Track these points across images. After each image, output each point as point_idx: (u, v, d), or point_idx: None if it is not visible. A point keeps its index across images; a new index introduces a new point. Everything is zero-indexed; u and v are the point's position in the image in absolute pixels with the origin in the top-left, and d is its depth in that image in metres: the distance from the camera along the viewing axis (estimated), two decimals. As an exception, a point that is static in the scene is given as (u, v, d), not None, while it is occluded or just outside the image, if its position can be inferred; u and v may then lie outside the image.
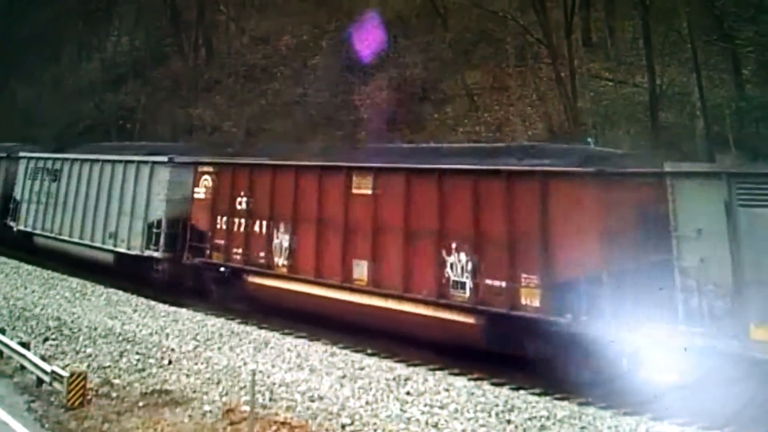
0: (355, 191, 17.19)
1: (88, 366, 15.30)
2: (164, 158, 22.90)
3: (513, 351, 14.48)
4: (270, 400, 13.10)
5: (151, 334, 17.59)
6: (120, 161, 24.65)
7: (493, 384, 13.86)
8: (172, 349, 16.31)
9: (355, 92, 33.87)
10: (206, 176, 21.19)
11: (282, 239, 18.76)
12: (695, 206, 12.42)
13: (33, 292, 22.44)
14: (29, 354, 15.16)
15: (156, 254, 22.15)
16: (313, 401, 12.98)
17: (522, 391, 13.44)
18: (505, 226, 14.43)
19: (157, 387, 14.15)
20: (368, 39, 32.75)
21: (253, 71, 39.80)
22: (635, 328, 12.76)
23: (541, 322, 13.77)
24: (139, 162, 23.74)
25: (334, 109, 33.47)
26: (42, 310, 20.13)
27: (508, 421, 12.03)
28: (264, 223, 19.24)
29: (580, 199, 13.64)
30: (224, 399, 13.26)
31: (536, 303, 13.86)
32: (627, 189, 14.10)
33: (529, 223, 14.10)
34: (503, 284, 14.34)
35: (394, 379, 14.08)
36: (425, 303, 15.62)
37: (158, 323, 18.61)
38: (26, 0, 56.17)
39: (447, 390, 13.41)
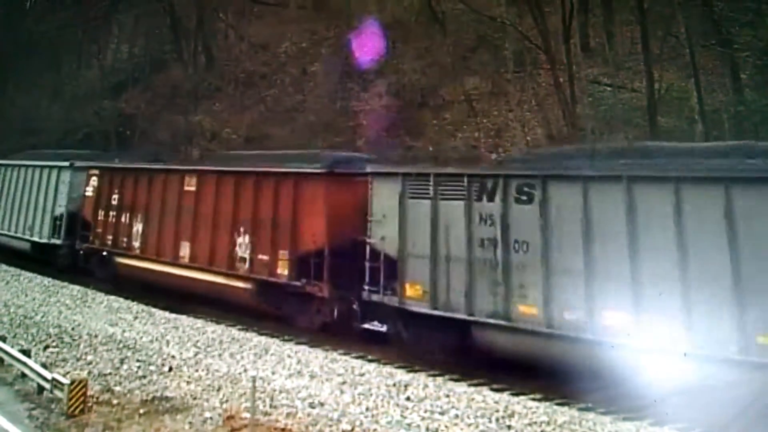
0: (186, 188, 21.96)
1: (89, 373, 15.29)
2: (66, 163, 27.60)
3: (273, 309, 19.22)
4: (270, 406, 13.09)
5: (151, 341, 17.61)
6: (37, 166, 29.17)
7: (493, 389, 13.89)
8: (173, 356, 16.32)
9: (354, 98, 33.95)
10: (94, 177, 25.96)
11: (138, 227, 23.53)
12: (383, 198, 16.64)
13: (34, 299, 22.47)
14: (30, 361, 15.16)
15: (57, 242, 26.92)
16: (313, 408, 12.99)
17: (522, 397, 13.45)
18: (272, 214, 19.13)
19: (158, 394, 14.16)
20: (367, 45, 32.80)
21: (253, 78, 39.86)
22: (344, 289, 17.43)
23: (287, 286, 18.50)
24: (50, 167, 28.32)
25: (334, 116, 33.53)
26: (43, 317, 20.15)
27: (509, 427, 12.03)
28: (128, 214, 24.05)
29: (315, 194, 18.32)
30: (225, 406, 13.25)
31: (286, 272, 18.54)
32: (348, 186, 17.95)
33: (286, 211, 18.81)
34: (267, 258, 19.05)
35: (394, 385, 14.09)
36: (221, 274, 20.28)
37: (159, 330, 18.64)
38: (25, 8, 56.33)
39: (447, 396, 13.42)
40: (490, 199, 14.82)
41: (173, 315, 20.18)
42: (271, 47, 41.71)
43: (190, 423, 12.69)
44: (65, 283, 24.43)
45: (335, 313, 17.79)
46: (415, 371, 15.06)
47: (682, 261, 12.28)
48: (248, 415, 12.21)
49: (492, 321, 14.56)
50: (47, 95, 49.05)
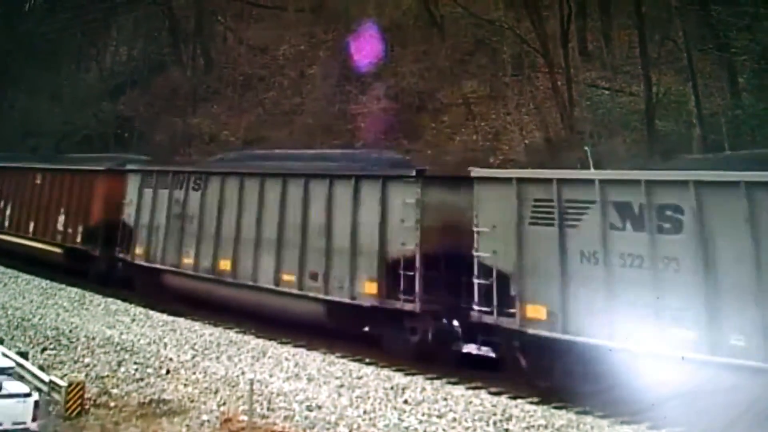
0: (35, 182, 28.89)
1: (87, 375, 15.31)
2: None
3: (75, 266, 25.32)
4: (268, 409, 13.11)
5: (149, 344, 17.60)
6: None
7: (490, 393, 13.85)
8: (170, 359, 16.32)
9: (353, 101, 33.97)
10: None
11: (8, 210, 30.52)
12: (131, 188, 23.57)
13: (31, 301, 22.46)
14: (28, 364, 15.16)
15: None
16: (311, 410, 12.99)
17: (520, 400, 13.42)
18: (78, 200, 25.87)
19: (155, 397, 14.17)
20: (365, 49, 32.85)
21: (251, 81, 39.87)
22: (111, 251, 23.82)
23: (81, 249, 25.19)
24: None
25: (332, 118, 33.54)
26: (40, 319, 20.14)
27: (506, 430, 12.04)
28: (2, 201, 31.06)
29: (98, 185, 25.19)
30: (222, 408, 13.27)
31: (80, 239, 25.30)
32: (119, 180, 24.23)
33: (83, 198, 25.59)
34: (71, 231, 25.73)
35: (392, 388, 14.09)
36: (48, 242, 26.94)
37: (156, 333, 18.63)
38: (24, 10, 56.31)
39: (445, 399, 13.41)
40: (181, 187, 21.73)
41: (171, 318, 20.16)
42: (270, 50, 41.72)
43: (187, 426, 12.71)
44: (63, 286, 24.41)
45: (104, 267, 24.26)
46: (413, 374, 15.03)
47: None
48: (246, 418, 12.24)
49: (170, 269, 21.60)
50: (46, 97, 48.94)
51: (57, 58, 52.30)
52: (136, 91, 45.03)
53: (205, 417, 12.96)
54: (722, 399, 11.79)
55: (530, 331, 13.71)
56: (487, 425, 12.21)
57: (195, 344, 17.49)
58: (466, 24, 33.20)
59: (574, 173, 14.61)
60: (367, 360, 16.08)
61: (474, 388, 14.11)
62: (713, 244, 11.77)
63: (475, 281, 14.50)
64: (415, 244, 15.71)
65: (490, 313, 14.26)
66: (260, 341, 17.68)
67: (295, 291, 18.01)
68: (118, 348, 17.28)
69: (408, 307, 15.72)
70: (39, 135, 44.43)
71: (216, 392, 14.15)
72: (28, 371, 14.79)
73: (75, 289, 23.81)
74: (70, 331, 18.79)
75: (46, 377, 14.24)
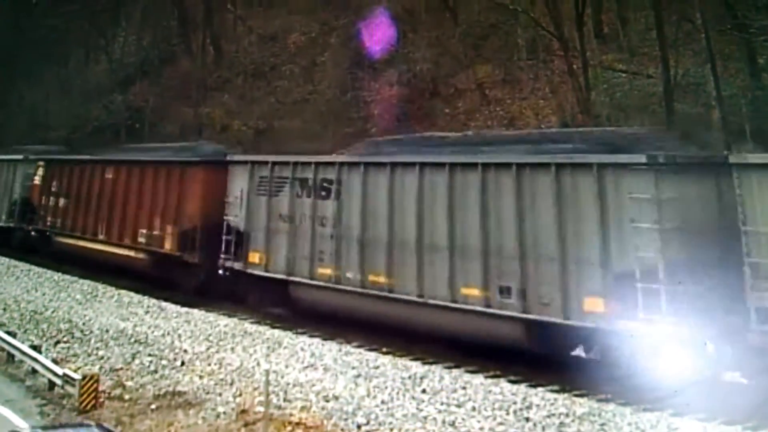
0: (108, 177, 26.02)
1: (100, 368, 15.24)
2: None
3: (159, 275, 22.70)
4: (284, 400, 12.97)
5: (163, 336, 17.49)
6: None
7: (510, 381, 13.66)
8: (185, 351, 16.21)
9: (365, 88, 33.66)
10: None
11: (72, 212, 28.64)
12: (240, 184, 20.15)
13: (44, 294, 22.41)
14: (41, 357, 15.10)
15: None
16: (327, 401, 12.84)
17: (540, 388, 13.21)
18: (164, 200, 22.69)
19: (170, 389, 14.06)
20: (377, 35, 32.52)
21: (262, 69, 39.67)
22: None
23: (173, 256, 22.08)
24: None
25: (344, 106, 33.29)
26: (53, 312, 20.09)
27: (527, 419, 11.84)
28: (63, 199, 29.25)
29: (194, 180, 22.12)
30: (238, 400, 13.14)
31: (171, 245, 22.28)
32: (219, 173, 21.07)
33: (175, 197, 22.41)
34: (159, 234, 22.85)
35: (409, 377, 13.91)
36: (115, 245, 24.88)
37: (170, 324, 18.51)
38: (32, 2, 56.26)
39: (464, 388, 13.22)
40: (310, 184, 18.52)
41: (185, 309, 20.03)
42: (280, 38, 41.45)
43: (203, 418, 12.59)
44: (75, 278, 24.35)
45: (203, 276, 21.73)
46: (431, 363, 14.84)
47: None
48: (262, 409, 12.07)
49: (302, 280, 18.41)
50: (56, 89, 49.02)
51: (65, 50, 52.33)
52: (146, 82, 44.93)
53: (221, 409, 12.84)
54: (745, 385, 11.61)
55: None
56: (507, 414, 12.02)
57: (210, 335, 17.37)
58: (479, 8, 32.85)
59: None
60: (384, 349, 15.89)
61: (493, 377, 13.92)
62: None
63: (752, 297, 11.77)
64: (656, 250, 12.67)
65: None
66: (275, 332, 17.53)
67: (479, 308, 14.84)
68: (132, 340, 17.19)
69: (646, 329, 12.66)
70: (49, 127, 44.46)
71: (231, 384, 14.03)
72: (42, 365, 14.72)
73: (88, 282, 23.74)
74: (84, 324, 18.72)
75: (59, 370, 14.14)
